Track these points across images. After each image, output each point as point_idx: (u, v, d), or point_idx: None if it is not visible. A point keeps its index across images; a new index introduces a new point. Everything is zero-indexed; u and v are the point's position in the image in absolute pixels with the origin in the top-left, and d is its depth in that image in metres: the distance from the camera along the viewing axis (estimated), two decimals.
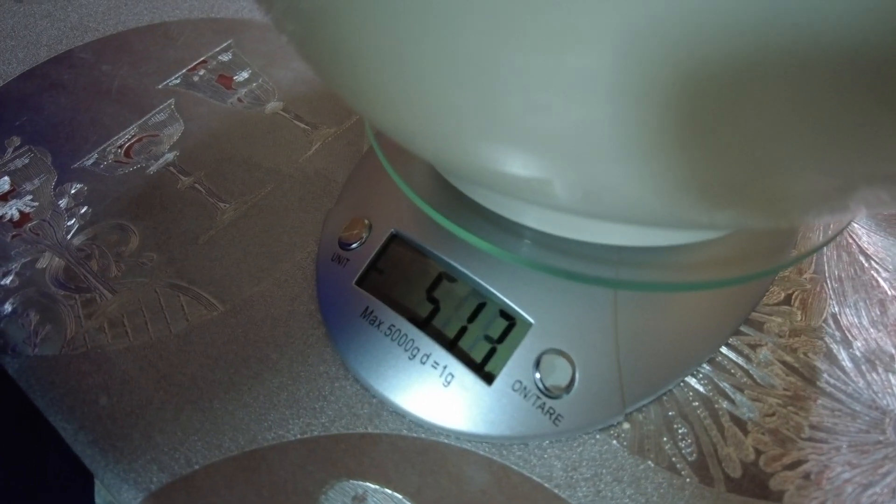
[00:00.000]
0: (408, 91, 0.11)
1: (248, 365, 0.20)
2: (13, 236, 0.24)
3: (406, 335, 0.18)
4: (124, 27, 0.32)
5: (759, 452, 0.17)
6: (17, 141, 0.27)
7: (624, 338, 0.18)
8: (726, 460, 0.17)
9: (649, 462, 0.17)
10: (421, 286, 0.19)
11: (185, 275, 0.22)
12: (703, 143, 0.10)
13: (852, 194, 0.12)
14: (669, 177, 0.11)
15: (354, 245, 0.21)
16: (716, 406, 0.18)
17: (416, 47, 0.10)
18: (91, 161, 0.26)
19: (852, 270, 0.21)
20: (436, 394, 0.18)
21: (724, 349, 0.19)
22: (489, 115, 0.10)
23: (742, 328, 0.20)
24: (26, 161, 0.26)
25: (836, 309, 0.20)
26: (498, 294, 0.18)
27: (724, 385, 0.19)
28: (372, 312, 0.19)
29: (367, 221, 0.21)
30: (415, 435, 0.18)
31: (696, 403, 0.18)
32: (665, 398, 0.18)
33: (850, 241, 0.22)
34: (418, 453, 0.18)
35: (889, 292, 0.21)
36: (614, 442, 0.18)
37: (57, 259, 0.23)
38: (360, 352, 0.19)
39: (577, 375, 0.17)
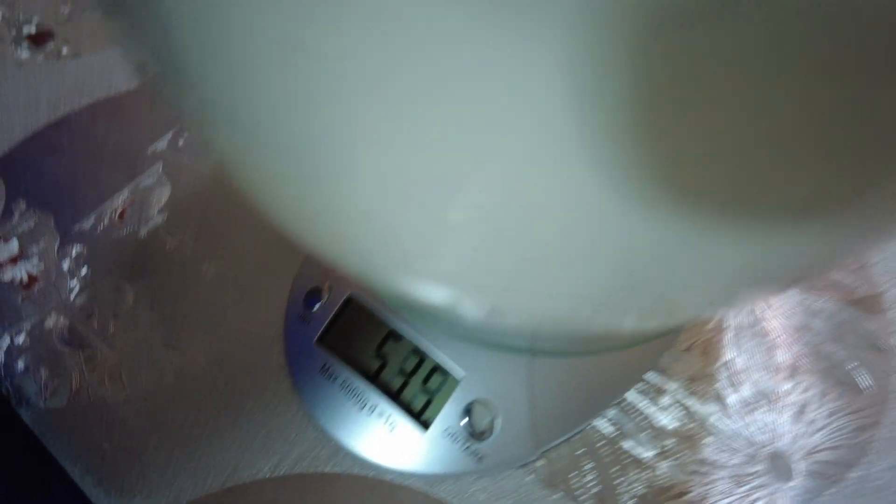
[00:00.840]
0: (309, 232, 0.15)
1: (228, 411, 0.24)
2: (23, 299, 0.28)
3: (357, 389, 0.22)
4: (116, 91, 0.36)
5: (650, 485, 0.21)
6: (23, 205, 0.31)
7: (539, 389, 0.22)
8: (623, 493, 0.21)
9: (559, 494, 0.21)
10: (372, 343, 0.23)
11: (174, 330, 0.26)
12: (592, 292, 0.13)
13: (735, 299, 0.15)
14: (563, 312, 0.14)
15: (316, 306, 0.24)
16: (618, 446, 0.22)
17: (312, 200, 0.13)
18: (89, 224, 0.30)
19: (752, 318, 0.25)
20: (382, 439, 0.22)
21: (630, 393, 0.23)
22: (382, 257, 0.14)
23: (649, 374, 0.24)
24: (32, 225, 0.30)
25: (732, 355, 0.24)
26: (435, 351, 0.22)
27: (628, 427, 0.22)
28: (329, 368, 0.23)
29: (327, 284, 0.25)
30: (365, 474, 0.22)
31: (602, 443, 0.22)
32: (575, 439, 0.22)
33: None
34: (369, 489, 0.22)
35: (777, 339, 0.24)
36: (531, 476, 0.22)
37: (62, 318, 0.27)
38: (319, 402, 0.23)
39: (497, 422, 0.21)
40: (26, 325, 0.27)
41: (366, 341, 0.23)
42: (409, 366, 0.22)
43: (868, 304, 0.25)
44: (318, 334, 0.24)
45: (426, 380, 0.22)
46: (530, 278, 0.12)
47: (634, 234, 0.10)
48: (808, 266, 0.13)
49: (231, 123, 0.12)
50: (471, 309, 0.15)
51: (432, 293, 0.14)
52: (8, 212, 0.31)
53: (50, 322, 0.27)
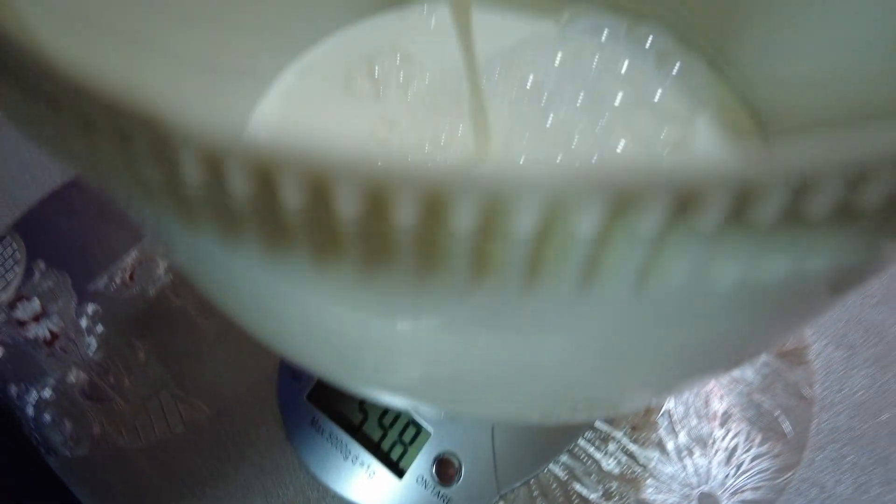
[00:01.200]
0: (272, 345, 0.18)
1: (230, 458, 0.28)
2: (47, 355, 0.31)
3: (342, 441, 0.26)
4: None
5: None
6: (42, 265, 0.35)
7: (499, 440, 0.25)
8: None
9: None
10: (354, 399, 0.27)
11: (181, 384, 0.30)
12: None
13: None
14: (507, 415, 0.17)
15: None
16: (569, 488, 0.26)
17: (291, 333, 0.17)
18: (102, 284, 0.34)
19: None
20: (363, 483, 0.25)
21: (581, 441, 0.27)
22: (351, 374, 0.17)
23: (598, 423, 0.27)
24: (51, 284, 0.34)
25: (671, 405, 0.27)
26: (409, 410, 0.26)
27: (578, 471, 0.26)
28: (318, 422, 0.27)
29: None
30: None
31: (555, 485, 0.26)
32: (532, 482, 0.26)
33: None
34: None
35: (713, 389, 0.28)
36: None
37: (82, 374, 0.30)
38: (309, 451, 0.26)
39: (462, 470, 0.25)
40: (51, 381, 0.30)
41: (349, 398, 0.27)
42: (387, 420, 0.26)
43: (795, 356, 0.29)
44: (308, 391, 0.27)
45: (402, 433, 0.26)
46: (475, 399, 0.16)
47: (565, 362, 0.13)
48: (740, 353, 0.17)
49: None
50: (427, 413, 0.19)
51: (391, 402, 0.18)
52: (29, 271, 0.35)
53: (72, 377, 0.30)
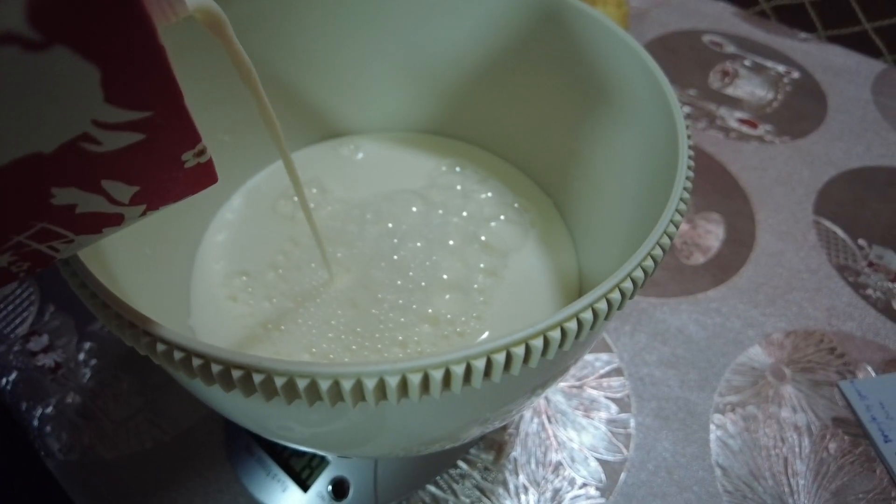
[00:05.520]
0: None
1: (185, 471, 0.40)
2: (51, 380, 0.44)
3: (266, 463, 0.38)
4: None
5: None
6: (52, 307, 0.48)
7: (381, 470, 0.37)
8: None
9: None
10: None
11: (153, 411, 0.42)
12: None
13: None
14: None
15: None
16: None
17: None
18: (98, 326, 0.46)
19: (538, 427, 0.41)
20: (278, 495, 0.38)
21: (445, 475, 0.39)
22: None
23: (460, 462, 0.39)
24: (58, 324, 0.47)
25: (517, 453, 0.40)
26: None
27: (440, 498, 0.38)
28: (250, 448, 0.39)
29: None
30: None
31: None
32: (403, 501, 0.38)
33: (542, 407, 0.42)
34: None
35: (552, 443, 0.40)
36: None
37: (78, 397, 0.43)
38: (243, 469, 0.39)
39: (351, 489, 0.37)
40: (53, 401, 0.43)
41: None
42: (301, 450, 0.38)
43: (621, 424, 0.41)
44: None
45: (310, 460, 0.38)
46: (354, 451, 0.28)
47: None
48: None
49: None
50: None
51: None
52: (41, 312, 0.48)
53: (69, 399, 0.43)
